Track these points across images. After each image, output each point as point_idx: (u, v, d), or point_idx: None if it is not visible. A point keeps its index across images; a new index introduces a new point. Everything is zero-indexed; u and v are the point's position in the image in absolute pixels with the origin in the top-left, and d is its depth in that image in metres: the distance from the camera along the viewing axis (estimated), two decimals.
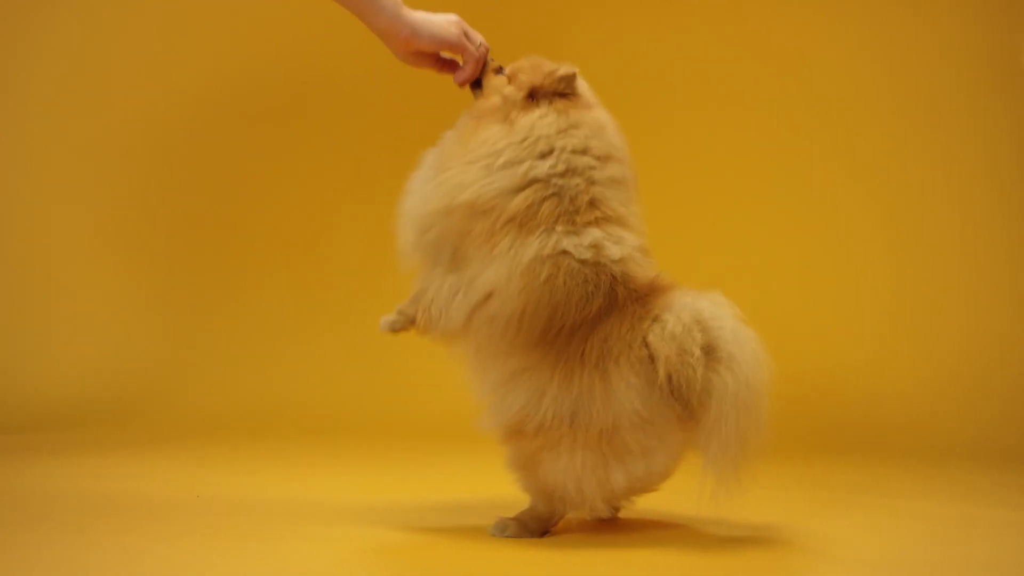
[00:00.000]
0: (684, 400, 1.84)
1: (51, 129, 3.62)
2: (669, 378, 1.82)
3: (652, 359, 1.84)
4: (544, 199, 1.87)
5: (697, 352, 1.81)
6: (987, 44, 3.29)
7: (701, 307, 1.86)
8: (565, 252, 1.86)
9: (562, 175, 1.88)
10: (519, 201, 1.87)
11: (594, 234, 1.88)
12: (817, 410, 3.17)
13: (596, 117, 1.97)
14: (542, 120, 1.92)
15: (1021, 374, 3.15)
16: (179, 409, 3.32)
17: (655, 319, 1.86)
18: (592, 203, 1.89)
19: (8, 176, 3.61)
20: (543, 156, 1.89)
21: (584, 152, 1.91)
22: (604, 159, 1.93)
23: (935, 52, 3.34)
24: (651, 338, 1.85)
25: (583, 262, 1.85)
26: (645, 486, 1.94)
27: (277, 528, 2.00)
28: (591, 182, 1.90)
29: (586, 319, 1.86)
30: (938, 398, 3.17)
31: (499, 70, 2.03)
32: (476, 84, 2.06)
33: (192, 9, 3.61)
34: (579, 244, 1.87)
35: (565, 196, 1.88)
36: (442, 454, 2.87)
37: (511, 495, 2.10)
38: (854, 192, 3.38)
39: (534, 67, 1.98)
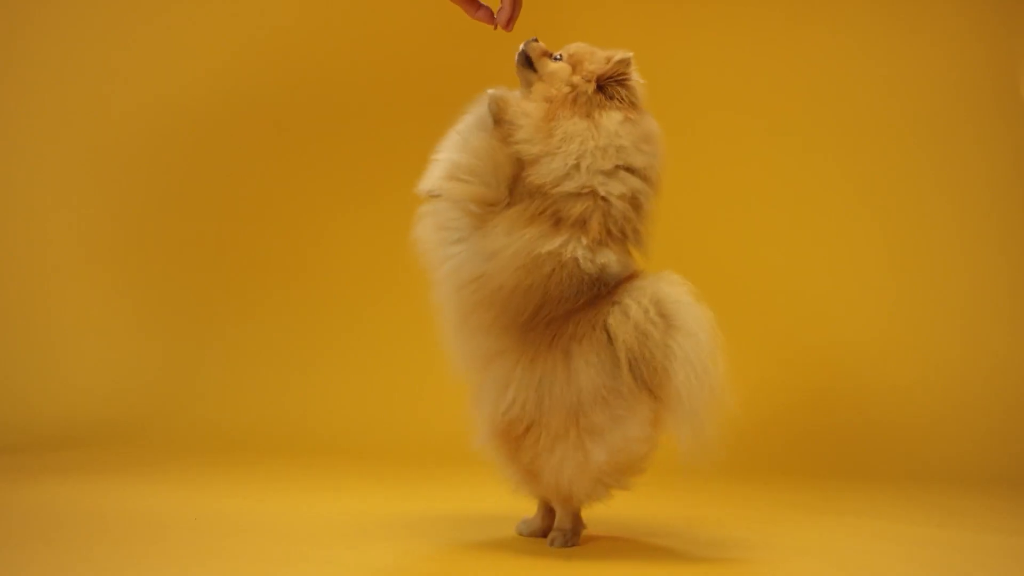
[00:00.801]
0: (645, 380, 1.88)
1: (47, 145, 3.57)
2: (630, 361, 1.88)
3: (611, 341, 1.90)
4: (593, 212, 1.94)
5: (656, 334, 1.87)
6: (989, 66, 3.29)
7: (657, 288, 1.93)
8: (575, 260, 1.93)
9: (618, 197, 1.96)
10: (574, 208, 1.93)
11: (608, 256, 1.95)
12: (804, 429, 3.15)
13: (656, 130, 2.03)
14: (622, 127, 1.97)
15: (1015, 397, 3.14)
16: (180, 429, 3.26)
17: (615, 303, 1.93)
18: (623, 230, 1.97)
19: (6, 191, 3.56)
20: (610, 175, 1.95)
21: (645, 177, 1.99)
22: (653, 183, 2.01)
23: (936, 72, 3.34)
24: (610, 321, 1.91)
25: (585, 272, 1.94)
26: (631, 461, 1.94)
27: (277, 550, 1.97)
28: (636, 207, 1.98)
29: (564, 313, 1.93)
30: (929, 420, 3.15)
31: (551, 55, 2.04)
32: (528, 63, 2.04)
33: (186, 24, 3.57)
34: (591, 259, 1.94)
35: (609, 216, 1.95)
36: (445, 474, 2.83)
37: (514, 512, 2.11)
38: (852, 209, 3.37)
39: (592, 54, 2.03)
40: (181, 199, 3.57)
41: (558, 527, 2.01)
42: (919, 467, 3.00)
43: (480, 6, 2.13)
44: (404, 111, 3.38)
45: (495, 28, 2.12)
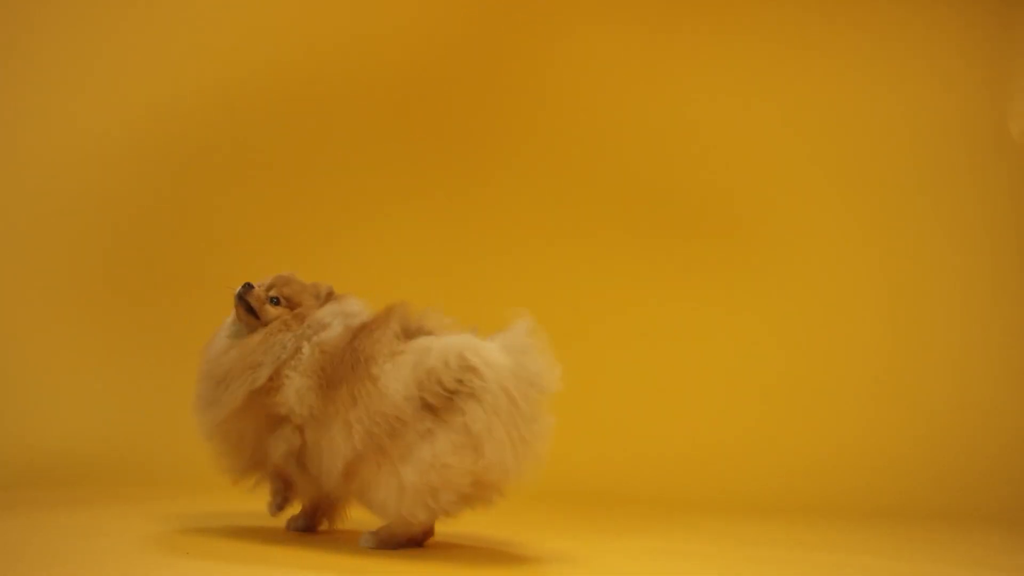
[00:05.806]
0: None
1: (33, 182, 3.48)
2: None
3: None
4: None
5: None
6: (988, 104, 3.32)
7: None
8: None
9: None
10: None
11: None
12: (799, 472, 3.16)
13: None
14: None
15: (1003, 443, 3.18)
16: (168, 465, 3.17)
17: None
18: None
19: None
20: None
21: None
22: None
23: (935, 111, 3.37)
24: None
25: None
26: (446, 478, 1.99)
27: None
28: None
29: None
30: (922, 464, 3.16)
31: (271, 299, 2.34)
32: (250, 312, 2.34)
33: (157, 54, 3.51)
34: None
35: None
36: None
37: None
38: (850, 262, 3.39)
39: (303, 291, 2.38)
40: (157, 234, 3.49)
41: (378, 531, 2.14)
42: (913, 508, 3.01)
43: None
44: (398, 160, 3.36)
45: None
